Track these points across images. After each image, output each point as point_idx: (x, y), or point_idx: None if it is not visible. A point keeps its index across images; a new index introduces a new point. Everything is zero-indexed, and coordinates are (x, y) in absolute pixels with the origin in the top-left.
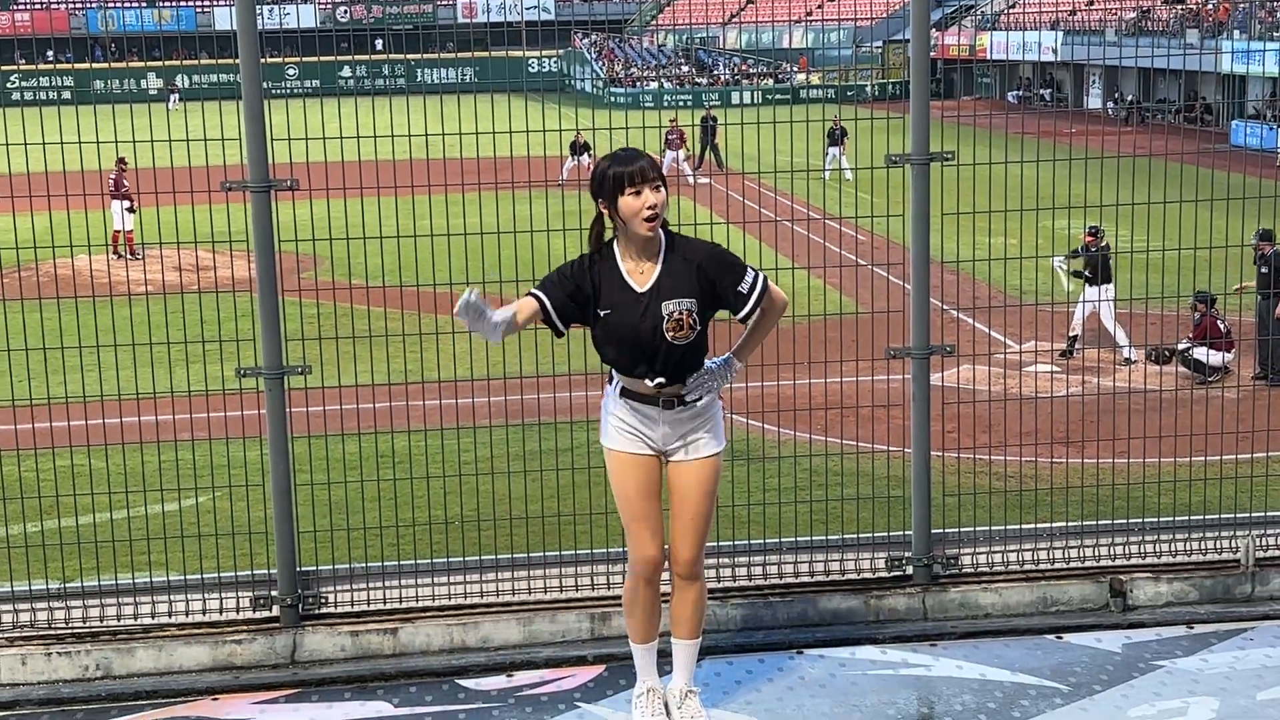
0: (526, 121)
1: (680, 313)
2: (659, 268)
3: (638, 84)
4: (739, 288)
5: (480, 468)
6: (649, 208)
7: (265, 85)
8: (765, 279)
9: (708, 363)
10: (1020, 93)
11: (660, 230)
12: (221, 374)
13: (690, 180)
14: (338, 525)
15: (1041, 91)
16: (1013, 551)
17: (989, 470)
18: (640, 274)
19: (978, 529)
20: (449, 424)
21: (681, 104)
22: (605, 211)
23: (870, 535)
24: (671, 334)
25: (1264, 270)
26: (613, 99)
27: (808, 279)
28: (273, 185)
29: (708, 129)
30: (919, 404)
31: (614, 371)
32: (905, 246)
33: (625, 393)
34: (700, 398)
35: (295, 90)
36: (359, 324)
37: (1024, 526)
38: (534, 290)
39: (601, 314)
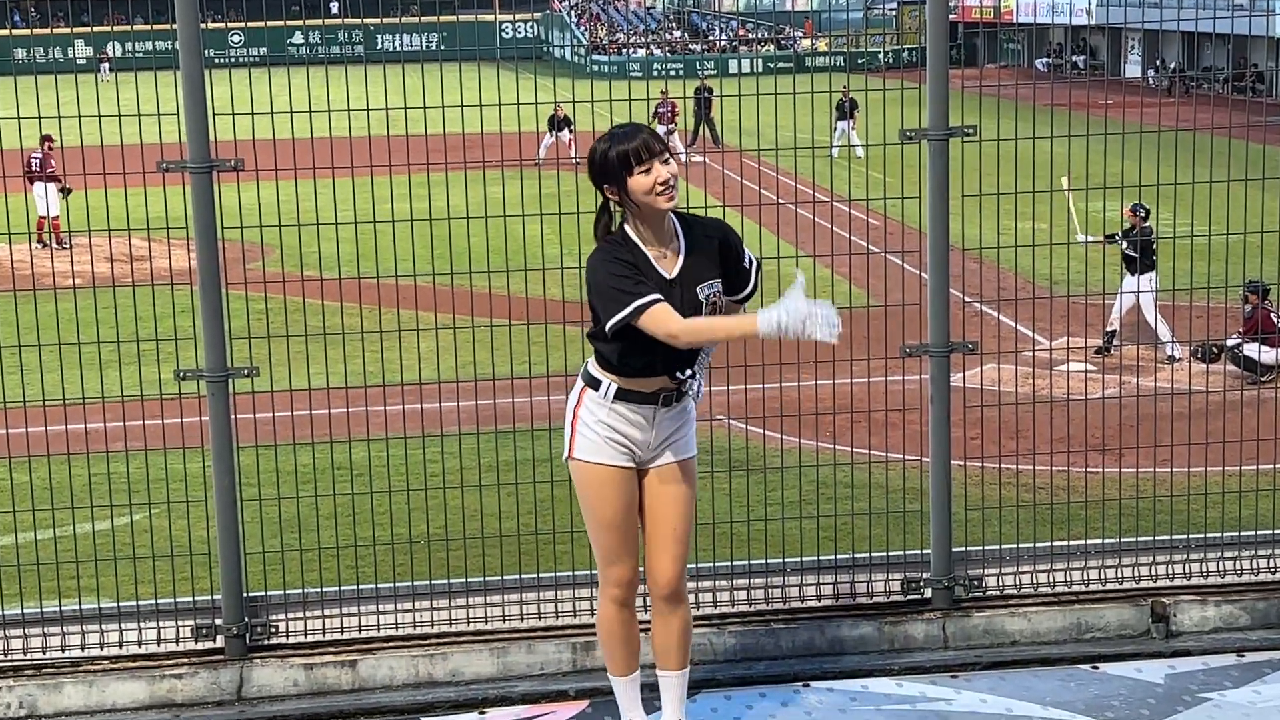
0: (499, 94)
1: (714, 295)
2: (681, 251)
3: (623, 51)
4: (743, 263)
5: (449, 480)
6: (661, 182)
7: (207, 54)
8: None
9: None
10: (1050, 60)
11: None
12: (159, 377)
13: (683, 158)
14: (289, 545)
15: (1074, 58)
16: (1043, 572)
17: (1016, 481)
18: (664, 259)
19: (1004, 547)
20: (414, 432)
21: (673, 73)
22: (613, 197)
23: (884, 555)
24: (709, 312)
25: None
26: (596, 68)
27: (814, 268)
28: (215, 165)
29: (702, 102)
30: (938, 407)
31: (605, 376)
32: (922, 232)
33: (623, 395)
34: (697, 389)
35: (240, 59)
36: (313, 320)
37: (1055, 544)
38: (651, 298)
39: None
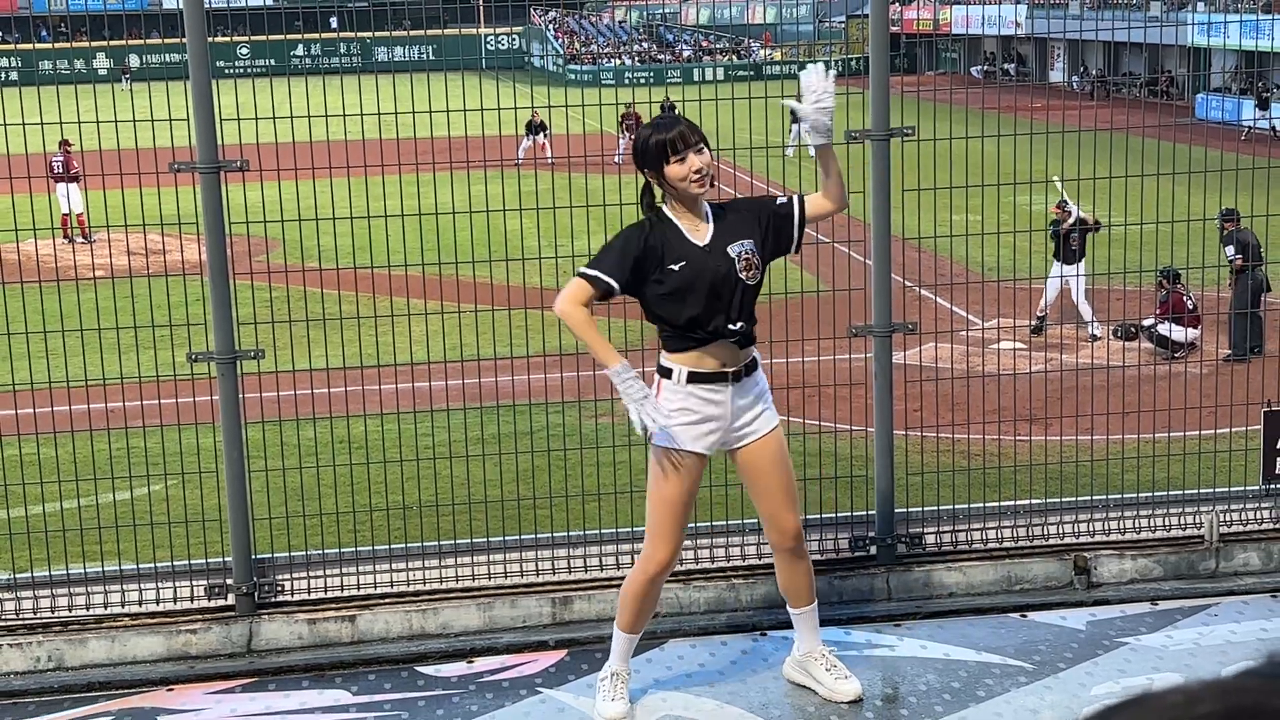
0: (481, 100)
1: (746, 252)
2: (711, 224)
3: (597, 61)
4: (778, 208)
5: (439, 452)
6: (695, 172)
7: (217, 65)
8: (791, 199)
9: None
10: (984, 67)
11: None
12: (174, 360)
13: None
14: (294, 512)
15: (1005, 66)
16: (976, 530)
17: (953, 449)
18: (697, 231)
19: (941, 508)
20: (408, 408)
21: (642, 80)
22: (653, 180)
23: (834, 515)
24: (745, 274)
25: (1230, 249)
26: (572, 77)
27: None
28: (222, 166)
29: (666, 111)
30: (881, 382)
31: (671, 361)
32: (867, 223)
33: (694, 378)
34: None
35: (247, 70)
36: (315, 307)
37: (988, 505)
38: (591, 272)
39: (675, 268)
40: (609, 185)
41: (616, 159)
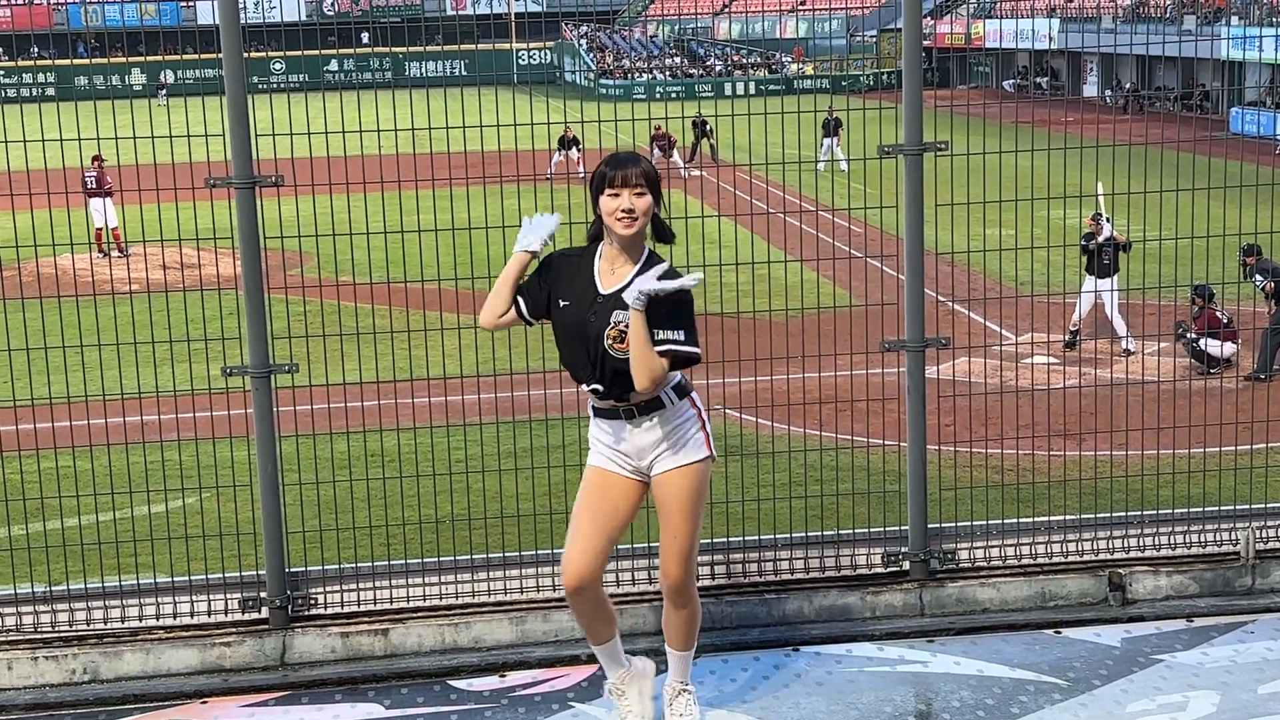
0: (514, 115)
1: (625, 326)
2: (629, 278)
3: (629, 76)
4: (655, 332)
5: (472, 465)
6: (623, 210)
7: (251, 80)
8: (677, 353)
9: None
10: (1017, 81)
11: (644, 243)
12: (208, 373)
13: (683, 174)
14: (327, 525)
15: (1038, 79)
16: (1010, 546)
17: (986, 464)
18: (611, 275)
19: (975, 523)
20: (440, 421)
21: (673, 95)
22: (595, 209)
23: (866, 531)
24: (610, 342)
25: (1259, 278)
26: (603, 91)
27: (801, 271)
28: (257, 182)
29: (699, 126)
30: (914, 397)
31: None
32: (899, 238)
33: (596, 411)
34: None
35: (281, 85)
36: (347, 321)
37: (1022, 520)
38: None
39: (561, 304)
40: None
41: None
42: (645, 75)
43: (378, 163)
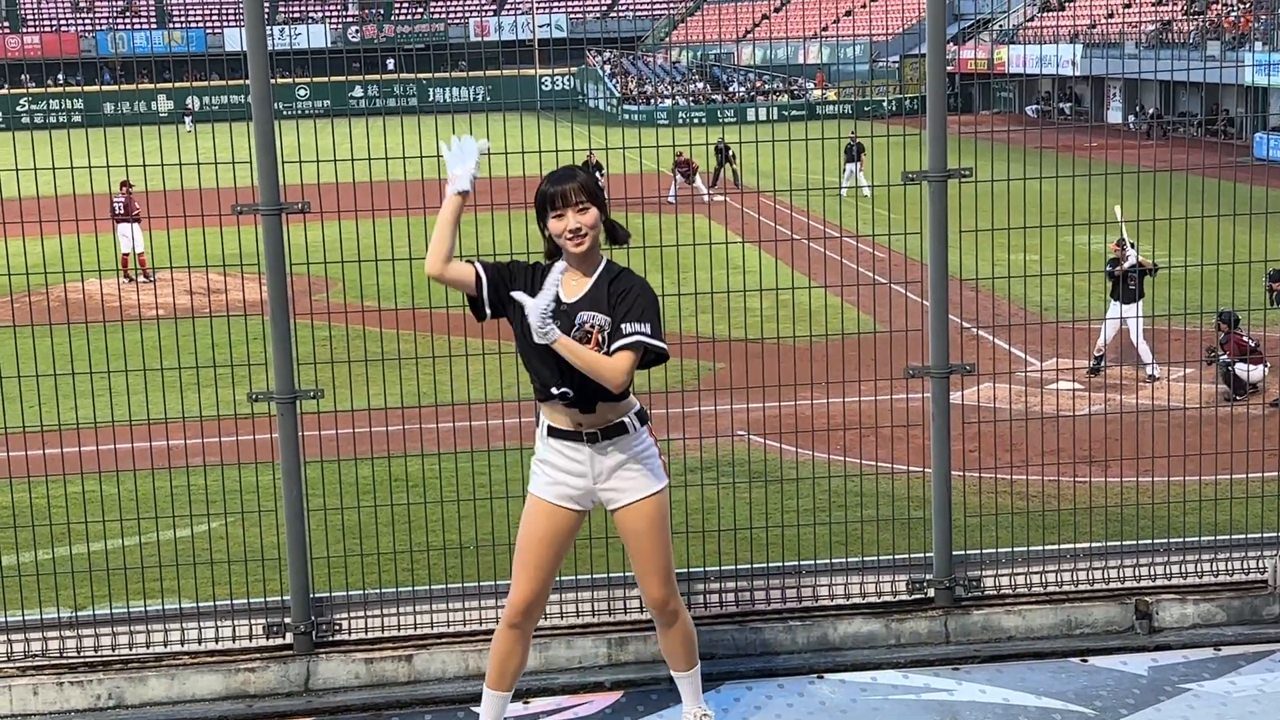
0: (539, 141)
1: (591, 325)
2: (590, 286)
3: (651, 101)
4: (623, 325)
5: (496, 491)
6: (570, 230)
7: (277, 106)
8: (639, 349)
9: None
10: (1040, 107)
11: (599, 254)
12: (234, 398)
13: (705, 198)
14: (351, 550)
15: (1061, 105)
16: (1036, 573)
17: (1011, 490)
18: (573, 286)
19: (1000, 550)
20: (464, 447)
21: (696, 120)
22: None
23: (891, 557)
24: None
25: None
26: (626, 117)
27: (825, 296)
28: (284, 208)
29: (722, 152)
30: (939, 423)
31: (539, 411)
32: (924, 263)
33: (551, 431)
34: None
35: (306, 111)
36: (372, 346)
37: (1047, 547)
38: (478, 262)
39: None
40: (666, 224)
41: (670, 198)
42: (668, 101)
43: (403, 188)
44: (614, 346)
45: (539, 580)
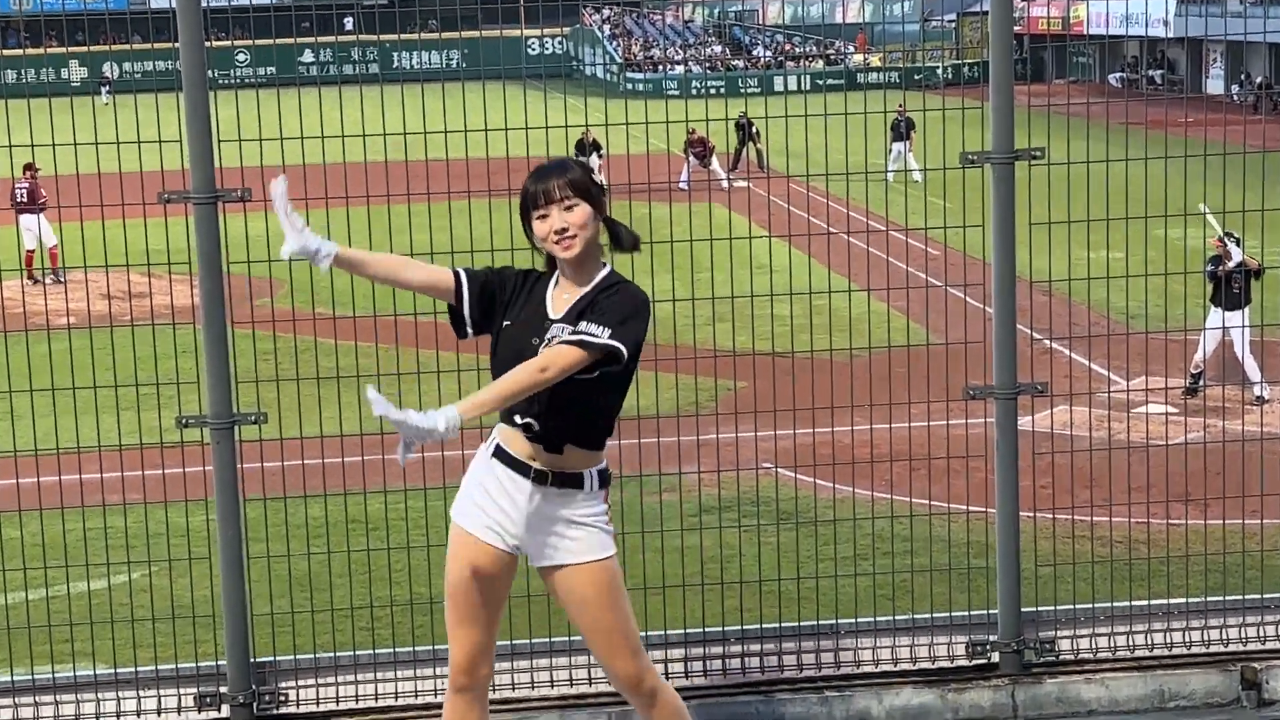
0: (525, 115)
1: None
2: (578, 298)
3: (659, 68)
4: (577, 326)
5: None
6: (555, 231)
7: (211, 74)
8: (589, 345)
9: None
10: (1125, 74)
11: (599, 260)
12: (159, 423)
13: (724, 185)
14: (300, 606)
15: (1151, 73)
16: (1121, 634)
17: (1091, 535)
18: (563, 299)
19: (1078, 607)
20: (434, 483)
21: (713, 91)
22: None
23: (947, 615)
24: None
25: None
26: (629, 86)
27: (868, 302)
28: (220, 196)
29: (744, 129)
30: (1004, 454)
31: (496, 426)
32: (986, 262)
33: (499, 452)
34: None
35: (247, 80)
36: (325, 361)
37: (1135, 604)
38: (458, 268)
39: (505, 324)
40: (676, 215)
41: (682, 183)
42: (679, 67)
43: (362, 172)
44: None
45: (477, 630)
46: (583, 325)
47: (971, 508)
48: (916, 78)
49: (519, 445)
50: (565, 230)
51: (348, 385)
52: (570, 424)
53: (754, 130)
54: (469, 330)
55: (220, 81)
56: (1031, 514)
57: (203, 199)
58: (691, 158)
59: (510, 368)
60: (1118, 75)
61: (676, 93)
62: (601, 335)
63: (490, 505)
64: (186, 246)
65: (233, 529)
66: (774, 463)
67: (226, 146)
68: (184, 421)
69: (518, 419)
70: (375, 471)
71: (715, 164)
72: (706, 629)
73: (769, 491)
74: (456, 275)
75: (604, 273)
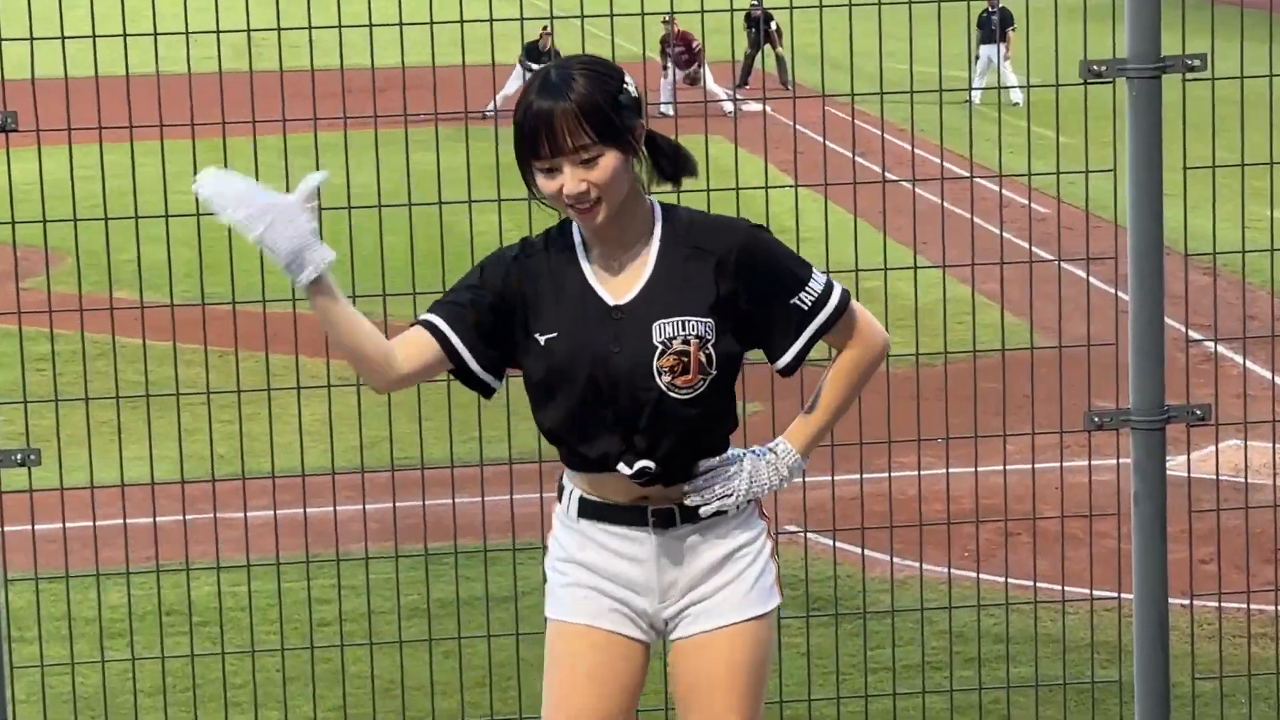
0: (430, 9)
1: (684, 342)
2: (650, 264)
3: None
4: (798, 300)
5: (350, 634)
6: (571, 196)
7: None
8: (847, 294)
9: (732, 452)
10: None
11: (642, 202)
12: None
13: (726, 110)
14: None
15: None
16: None
17: (1276, 633)
18: (615, 275)
19: None
20: (292, 552)
21: None
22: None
23: None
24: (668, 379)
25: None
26: None
27: (943, 284)
28: None
29: (758, 30)
30: (1147, 512)
31: (564, 475)
32: (1119, 225)
33: (588, 509)
34: (715, 507)
35: None
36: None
37: None
38: (426, 316)
39: (541, 341)
40: None
41: (662, 108)
42: None
43: (186, 87)
44: (809, 333)
45: None
46: (810, 292)
47: (1097, 592)
48: None
49: (614, 489)
50: (584, 194)
51: (165, 406)
52: (700, 447)
53: (773, 26)
54: (490, 382)
55: None
56: (1187, 601)
57: None
58: (670, 65)
59: (579, 392)
60: None
61: None
62: (818, 280)
63: (603, 583)
64: None
65: None
66: (802, 524)
67: None
68: None
69: (624, 469)
70: (203, 536)
71: (708, 76)
72: None
73: (795, 568)
74: (435, 331)
75: (656, 217)
